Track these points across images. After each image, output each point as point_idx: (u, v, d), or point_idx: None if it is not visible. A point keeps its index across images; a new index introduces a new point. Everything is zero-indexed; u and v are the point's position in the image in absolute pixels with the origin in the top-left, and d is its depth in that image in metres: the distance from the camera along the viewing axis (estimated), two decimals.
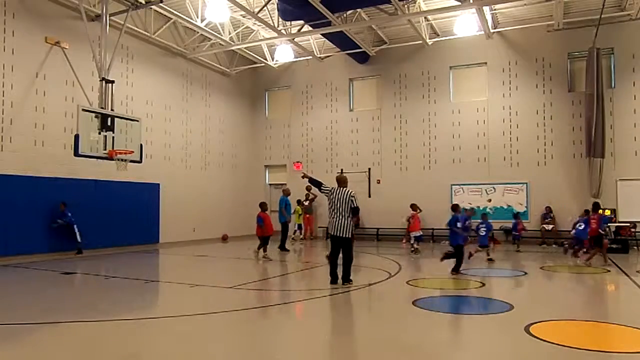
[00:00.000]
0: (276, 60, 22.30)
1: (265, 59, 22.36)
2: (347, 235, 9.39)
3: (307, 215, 21.29)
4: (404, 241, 19.27)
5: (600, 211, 13.66)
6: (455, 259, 10.97)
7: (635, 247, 16.44)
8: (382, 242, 20.05)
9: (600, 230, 12.75)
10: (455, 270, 10.80)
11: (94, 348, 5.54)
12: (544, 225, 18.30)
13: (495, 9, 18.38)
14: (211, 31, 18.51)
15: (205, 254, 15.83)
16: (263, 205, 14.36)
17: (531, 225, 18.67)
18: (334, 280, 9.44)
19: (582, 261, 12.76)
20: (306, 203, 21.37)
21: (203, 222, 20.56)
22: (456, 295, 8.89)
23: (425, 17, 18.92)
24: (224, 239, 21.31)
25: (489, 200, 19.49)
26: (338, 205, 9.38)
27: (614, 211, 16.99)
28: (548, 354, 5.23)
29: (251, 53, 21.93)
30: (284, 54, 20.75)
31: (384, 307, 8.24)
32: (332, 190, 9.53)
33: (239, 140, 23.39)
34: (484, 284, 9.61)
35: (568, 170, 18.52)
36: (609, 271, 11.59)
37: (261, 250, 14.09)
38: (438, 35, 20.35)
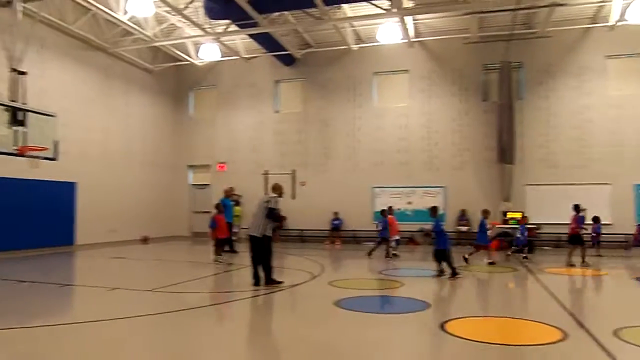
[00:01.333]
0: (201, 59, 21.99)
1: (190, 57, 21.99)
2: (256, 234, 9.46)
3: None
4: (326, 242, 19.61)
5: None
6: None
7: (540, 247, 17.54)
8: (305, 243, 20.26)
9: (578, 230, 13.46)
10: (453, 274, 10.74)
11: (4, 358, 5.29)
12: (459, 227, 19.19)
13: (416, 20, 19.10)
14: (134, 25, 17.95)
15: (124, 256, 15.32)
16: (218, 207, 13.96)
17: (448, 227, 19.48)
18: (256, 282, 9.48)
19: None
20: (233, 204, 21.17)
21: (123, 223, 19.86)
22: (376, 295, 9.19)
23: (350, 23, 19.38)
24: (144, 240, 20.73)
25: (409, 203, 20.17)
26: (256, 208, 9.63)
27: (522, 214, 18.02)
28: (460, 350, 5.55)
29: (175, 50, 21.49)
30: (209, 52, 20.49)
31: (305, 308, 8.36)
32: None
33: (161, 139, 22.85)
34: (403, 284, 9.98)
35: (481, 175, 19.53)
36: (517, 270, 12.37)
37: (221, 253, 13.63)
38: (363, 41, 20.86)
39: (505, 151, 18.41)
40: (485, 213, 13.46)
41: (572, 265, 12.94)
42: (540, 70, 19.27)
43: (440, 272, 10.94)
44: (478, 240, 13.51)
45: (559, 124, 18.97)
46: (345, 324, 6.77)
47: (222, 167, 22.73)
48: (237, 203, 21.06)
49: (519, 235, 14.74)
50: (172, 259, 15.37)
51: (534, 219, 18.19)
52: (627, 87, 18.64)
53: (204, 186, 23.19)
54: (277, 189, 9.98)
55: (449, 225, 19.52)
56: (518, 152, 18.86)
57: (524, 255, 14.54)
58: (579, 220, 13.51)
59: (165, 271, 12.92)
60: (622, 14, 17.09)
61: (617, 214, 18.08)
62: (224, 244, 13.77)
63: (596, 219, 15.22)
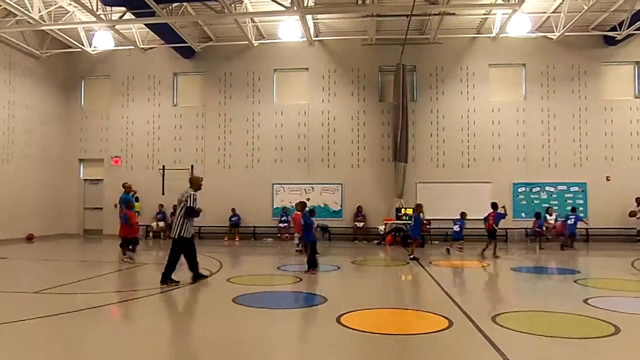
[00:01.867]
0: (94, 47, 20.84)
1: (82, 44, 20.79)
2: (174, 236, 9.41)
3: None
4: (225, 239, 19.51)
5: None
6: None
7: (430, 242, 18.68)
8: (203, 240, 19.98)
9: (494, 225, 14.75)
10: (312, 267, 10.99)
11: None
12: (356, 223, 19.91)
13: (317, 19, 19.48)
14: (16, 5, 16.42)
15: (5, 256, 14.21)
16: (128, 203, 13.37)
17: (345, 223, 20.22)
18: (194, 278, 9.56)
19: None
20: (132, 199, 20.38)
21: (5, 221, 18.36)
22: (275, 291, 9.34)
23: (251, 19, 19.35)
24: (30, 238, 19.36)
25: (308, 199, 20.54)
26: (178, 206, 9.56)
27: (414, 210, 18.98)
28: (354, 341, 5.84)
29: (65, 36, 20.17)
30: (102, 40, 19.37)
31: (203, 306, 8.34)
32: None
33: (49, 130, 21.38)
34: (301, 279, 10.22)
35: (377, 173, 20.37)
36: (409, 263, 13.11)
37: (128, 252, 12.98)
38: (264, 37, 20.92)
39: (399, 150, 19.35)
40: (419, 207, 13.97)
41: (497, 257, 14.22)
42: (432, 74, 20.48)
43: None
44: (412, 234, 14.07)
45: (447, 126, 20.29)
46: (244, 320, 6.86)
47: (116, 161, 21.78)
48: (136, 199, 20.39)
49: (456, 230, 15.63)
50: (61, 258, 14.54)
51: (424, 215, 19.32)
52: (505, 94, 20.35)
53: (96, 181, 22.09)
54: (194, 183, 9.79)
55: (346, 221, 20.26)
56: (411, 151, 19.90)
57: (459, 247, 15.51)
58: (497, 216, 14.88)
59: (53, 271, 12.17)
60: (503, 27, 18.61)
61: None
62: (133, 243, 13.20)
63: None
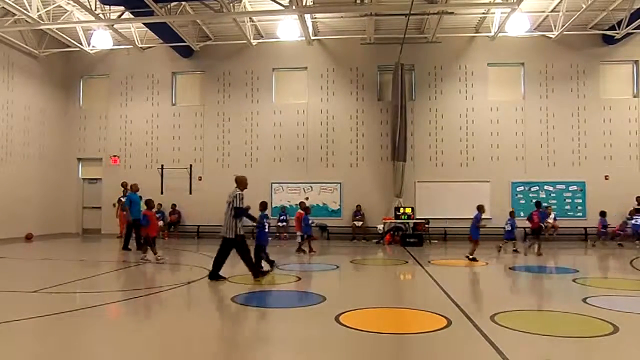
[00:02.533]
0: (93, 46, 20.81)
1: (81, 44, 20.77)
2: (229, 236, 9.57)
3: (124, 213, 20.32)
4: None
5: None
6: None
7: (429, 241, 18.69)
8: (202, 239, 19.99)
9: (540, 224, 14.95)
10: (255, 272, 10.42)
11: None
12: (355, 222, 19.90)
13: (315, 18, 19.47)
14: (15, 5, 16.38)
15: (3, 256, 14.20)
16: (149, 203, 13.13)
17: (343, 222, 20.22)
18: (213, 277, 9.65)
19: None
20: (123, 199, 20.39)
21: (3, 220, 18.33)
22: (273, 290, 9.33)
23: (250, 18, 19.34)
24: (28, 238, 19.34)
25: (307, 198, 20.53)
26: (226, 206, 9.72)
27: (413, 209, 19.08)
28: (353, 340, 5.84)
29: (64, 35, 20.16)
30: (101, 40, 19.31)
31: (202, 305, 8.33)
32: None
33: (48, 129, 21.34)
34: (300, 278, 10.22)
35: (376, 172, 20.37)
36: (407, 262, 13.12)
37: (150, 252, 12.84)
38: (262, 36, 20.91)
39: (398, 149, 19.34)
40: (480, 208, 13.66)
41: (540, 254, 14.45)
42: (431, 74, 20.48)
43: None
44: (473, 235, 13.65)
45: (446, 125, 20.29)
46: (242, 319, 6.88)
47: (115, 160, 21.77)
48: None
49: (508, 229, 15.59)
50: (60, 257, 14.53)
51: (423, 214, 19.38)
52: (504, 93, 20.36)
53: (95, 180, 22.07)
54: (241, 183, 9.90)
55: (345, 220, 20.26)
56: (409, 150, 19.90)
57: (515, 248, 15.60)
58: (541, 215, 15.14)
59: (52, 271, 12.17)
60: (502, 26, 18.62)
61: (495, 209, 19.68)
62: (154, 242, 12.99)
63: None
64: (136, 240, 14.94)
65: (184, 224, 20.74)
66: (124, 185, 20.00)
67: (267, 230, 10.78)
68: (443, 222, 19.47)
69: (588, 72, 19.91)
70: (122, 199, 20.20)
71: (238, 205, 9.53)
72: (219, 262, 9.76)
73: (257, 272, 9.72)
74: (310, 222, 15.31)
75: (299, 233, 15.16)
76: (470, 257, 13.09)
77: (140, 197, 19.47)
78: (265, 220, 10.82)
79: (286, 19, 18.19)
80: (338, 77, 20.84)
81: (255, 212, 10.60)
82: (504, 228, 15.84)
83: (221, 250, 9.78)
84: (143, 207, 14.68)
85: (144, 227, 12.88)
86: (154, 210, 13.25)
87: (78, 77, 22.56)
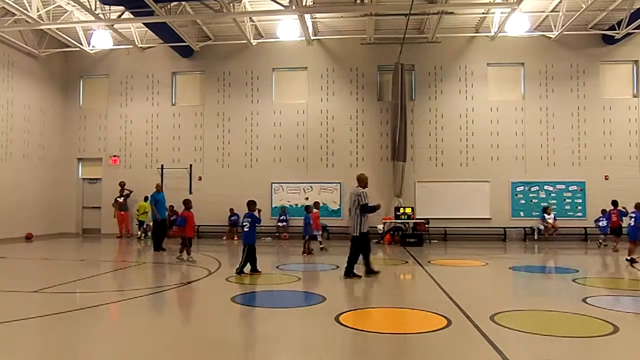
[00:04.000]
0: (93, 46, 20.81)
1: (81, 44, 20.77)
2: (354, 233, 9.90)
3: (122, 213, 20.40)
4: (224, 238, 19.51)
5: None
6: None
7: (428, 241, 18.68)
8: (202, 239, 19.99)
9: (620, 222, 15.30)
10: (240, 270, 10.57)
11: None
12: None
13: (315, 18, 19.47)
14: (15, 5, 16.38)
15: (4, 256, 14.21)
16: (187, 203, 12.97)
17: (343, 222, 20.11)
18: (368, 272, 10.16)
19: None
20: (120, 200, 20.45)
21: (3, 220, 18.35)
22: (273, 290, 9.33)
23: (250, 18, 19.34)
24: (28, 238, 19.35)
25: (306, 199, 20.55)
26: (349, 204, 10.09)
27: (413, 209, 19.06)
28: (353, 340, 5.84)
29: (64, 35, 20.18)
30: (101, 40, 19.33)
31: (201, 305, 8.33)
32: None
33: (48, 129, 21.34)
34: (299, 278, 10.22)
35: (376, 172, 20.34)
36: (407, 262, 13.12)
37: (184, 252, 12.81)
38: (262, 36, 20.91)
39: (398, 149, 19.35)
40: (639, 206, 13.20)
41: (616, 250, 15.14)
42: (430, 74, 20.49)
43: None
44: (632, 235, 13.22)
45: (446, 125, 20.30)
46: (242, 319, 6.88)
47: (115, 160, 21.77)
48: (126, 198, 20.55)
49: (604, 225, 16.16)
50: (60, 257, 14.53)
51: (423, 214, 19.38)
52: (503, 93, 20.36)
53: (95, 180, 22.07)
54: (362, 181, 10.15)
55: (344, 220, 20.17)
56: (409, 150, 19.90)
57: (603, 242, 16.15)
58: (620, 213, 15.46)
59: (51, 270, 12.18)
60: (502, 26, 18.62)
61: (495, 209, 19.75)
62: (190, 243, 12.95)
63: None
64: (157, 239, 14.96)
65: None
66: (121, 184, 20.09)
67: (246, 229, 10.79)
68: (443, 222, 19.47)
69: (588, 72, 19.91)
70: (118, 199, 20.33)
71: (365, 202, 9.80)
72: (359, 258, 10.11)
73: (351, 271, 10.06)
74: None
75: (317, 232, 15.42)
76: (630, 258, 12.70)
77: (128, 195, 19.73)
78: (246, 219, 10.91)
79: (286, 19, 18.20)
80: (338, 77, 20.84)
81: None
82: (597, 224, 16.60)
83: (356, 247, 10.07)
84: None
85: (181, 227, 12.76)
86: (192, 210, 13.05)
87: (78, 77, 22.57)
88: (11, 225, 18.68)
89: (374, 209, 10.11)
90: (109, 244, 18.38)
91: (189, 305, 8.44)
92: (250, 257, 10.63)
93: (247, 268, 10.59)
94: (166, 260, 13.45)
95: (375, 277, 10.19)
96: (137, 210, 19.73)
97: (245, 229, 10.82)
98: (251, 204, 11.16)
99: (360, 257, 10.22)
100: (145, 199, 19.91)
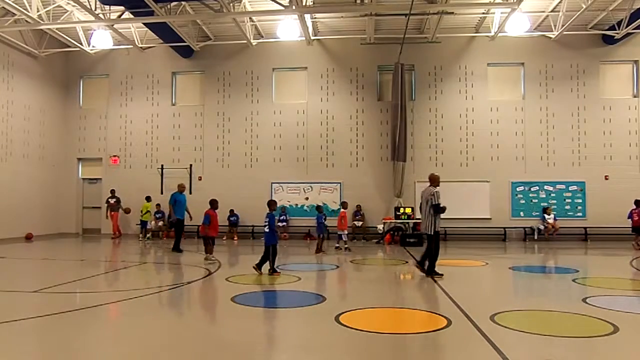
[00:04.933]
0: (93, 46, 20.81)
1: (81, 44, 20.78)
2: (429, 232, 10.18)
3: (112, 213, 20.36)
4: (224, 238, 19.48)
5: None
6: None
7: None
8: (202, 239, 19.92)
9: None
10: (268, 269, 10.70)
11: None
12: (355, 222, 19.89)
13: (315, 18, 19.48)
14: (15, 5, 16.38)
15: (4, 256, 14.22)
16: (214, 203, 12.93)
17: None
18: (429, 272, 10.28)
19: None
20: (112, 201, 20.40)
21: (3, 220, 18.36)
22: (273, 290, 9.33)
23: (250, 18, 19.35)
24: (28, 238, 19.35)
25: (306, 199, 20.57)
26: (421, 203, 10.35)
27: (413, 209, 19.04)
28: (353, 340, 5.82)
29: (64, 35, 20.18)
30: (101, 40, 19.31)
31: (201, 305, 8.33)
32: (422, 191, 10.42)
33: (48, 129, 21.34)
34: (299, 278, 10.21)
35: (376, 172, 20.38)
36: (407, 262, 13.11)
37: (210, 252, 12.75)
38: (262, 36, 20.92)
39: (398, 149, 19.35)
40: None
41: (637, 249, 15.77)
42: (430, 74, 20.49)
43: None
44: None
45: (446, 125, 20.30)
46: (242, 319, 6.86)
47: (115, 160, 21.78)
48: (118, 201, 20.53)
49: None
50: (60, 257, 14.53)
51: None
52: (503, 93, 20.36)
53: (95, 180, 22.08)
54: (435, 180, 10.37)
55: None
56: (409, 150, 19.90)
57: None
58: None
59: (51, 270, 12.18)
60: (502, 26, 18.62)
61: (495, 209, 19.74)
62: (214, 242, 12.89)
63: None
64: (175, 240, 14.98)
65: (187, 224, 20.59)
66: (112, 192, 20.24)
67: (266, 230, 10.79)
68: (443, 222, 19.30)
69: (588, 72, 19.91)
70: (110, 200, 20.28)
71: (437, 203, 10.01)
72: (434, 257, 10.28)
73: (432, 270, 10.21)
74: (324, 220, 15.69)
75: (342, 232, 15.72)
76: None
77: (119, 200, 19.69)
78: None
79: (286, 19, 18.20)
80: (338, 77, 20.84)
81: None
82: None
83: (434, 246, 10.30)
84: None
85: (206, 226, 12.72)
86: (217, 210, 12.99)
87: (78, 77, 22.57)
88: (11, 225, 18.69)
89: (444, 209, 10.29)
90: (109, 244, 18.38)
91: (189, 305, 8.42)
92: (268, 256, 10.64)
93: (265, 267, 10.63)
94: (166, 260, 13.45)
95: (440, 277, 10.19)
96: (141, 210, 19.73)
97: (266, 229, 10.82)
98: (271, 204, 11.16)
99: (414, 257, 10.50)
100: (148, 199, 19.97)
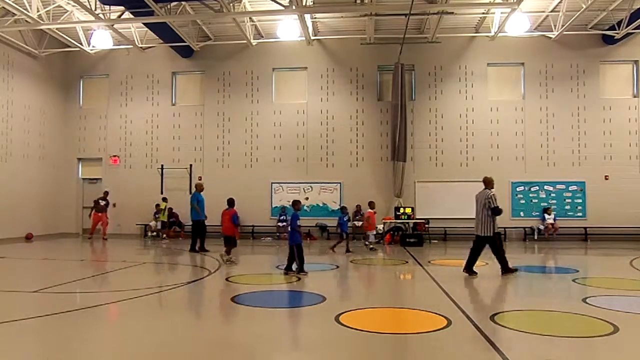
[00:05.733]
0: (93, 46, 20.80)
1: (81, 44, 20.78)
2: (485, 234, 10.38)
3: (99, 214, 20.09)
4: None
5: None
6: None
7: (428, 241, 18.68)
8: None
9: None
10: (295, 269, 10.67)
11: None
12: (355, 222, 19.85)
13: (315, 18, 19.48)
14: (15, 5, 16.36)
15: (4, 256, 14.22)
16: (232, 202, 12.95)
17: None
18: (468, 270, 10.52)
19: None
20: (102, 203, 20.17)
21: (3, 220, 18.35)
22: (274, 290, 9.33)
23: (250, 18, 19.35)
24: (28, 238, 19.36)
25: (307, 199, 20.55)
26: (476, 206, 10.67)
27: (413, 209, 19.04)
28: (353, 340, 5.82)
29: (64, 35, 20.18)
30: (101, 40, 19.29)
31: (202, 305, 8.33)
32: (476, 194, 10.81)
33: (48, 129, 21.33)
34: (299, 279, 10.21)
35: (376, 172, 20.37)
36: (407, 262, 13.11)
37: (226, 252, 12.53)
38: (262, 36, 20.92)
39: (398, 149, 19.35)
40: None
41: None
42: (430, 74, 20.49)
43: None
44: None
45: (446, 125, 20.30)
46: (242, 319, 6.86)
47: (115, 160, 21.78)
48: (107, 204, 20.29)
49: None
50: (60, 257, 14.52)
51: (423, 214, 19.36)
52: (503, 93, 20.37)
53: (95, 180, 22.07)
54: (490, 183, 10.71)
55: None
56: (409, 150, 19.90)
57: None
58: None
59: (52, 270, 12.18)
60: (502, 26, 18.62)
61: None
62: (230, 242, 12.63)
63: None
64: (192, 241, 14.97)
65: (187, 224, 20.62)
66: (105, 193, 20.00)
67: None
68: (443, 222, 19.46)
69: (588, 72, 19.91)
70: (100, 201, 19.93)
71: (496, 206, 10.32)
72: (474, 258, 10.53)
73: (507, 268, 10.44)
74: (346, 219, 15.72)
75: (371, 233, 15.85)
76: None
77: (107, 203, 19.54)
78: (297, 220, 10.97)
79: (286, 19, 18.19)
80: (338, 77, 20.84)
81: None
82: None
83: (476, 247, 10.56)
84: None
85: (236, 226, 12.70)
86: (234, 209, 12.91)
87: (78, 77, 22.57)
88: (11, 225, 18.68)
89: (502, 211, 10.65)
90: (109, 244, 18.35)
91: (189, 305, 8.42)
92: (294, 256, 10.64)
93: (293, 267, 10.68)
94: (166, 260, 13.44)
95: (511, 276, 10.42)
96: (160, 210, 19.77)
97: (289, 229, 10.95)
98: (295, 203, 11.34)
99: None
100: (164, 199, 19.96)
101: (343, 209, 15.87)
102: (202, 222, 15.09)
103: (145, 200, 20.66)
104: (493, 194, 10.48)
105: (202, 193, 15.50)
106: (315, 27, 20.21)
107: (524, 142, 19.98)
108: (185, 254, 14.70)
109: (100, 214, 19.71)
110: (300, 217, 11.51)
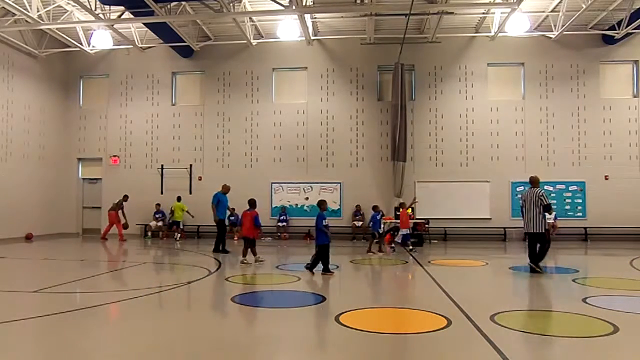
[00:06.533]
0: (93, 46, 20.81)
1: (81, 44, 20.78)
2: (537, 230, 10.75)
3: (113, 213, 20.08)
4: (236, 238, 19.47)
5: None
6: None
7: (428, 241, 18.68)
8: (202, 239, 20.00)
9: None
10: (325, 270, 10.69)
11: None
12: (355, 222, 19.90)
13: (315, 18, 19.48)
14: (15, 5, 16.35)
15: (4, 256, 14.22)
16: (254, 203, 12.68)
17: (343, 222, 20.20)
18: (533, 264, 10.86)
19: None
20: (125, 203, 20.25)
21: (3, 220, 18.37)
22: (273, 290, 9.32)
23: (250, 18, 19.35)
24: (28, 238, 19.36)
25: (306, 199, 20.56)
26: (525, 204, 10.96)
27: (413, 209, 19.02)
28: (353, 340, 5.82)
29: (64, 35, 20.18)
30: (101, 40, 19.29)
31: (201, 305, 8.32)
32: (524, 193, 11.24)
33: (48, 129, 21.34)
34: (299, 278, 10.20)
35: (376, 172, 20.38)
36: (407, 262, 13.11)
37: (250, 253, 12.45)
38: (262, 36, 20.92)
39: (398, 149, 19.35)
40: None
41: None
42: (431, 74, 20.50)
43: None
44: None
45: (446, 125, 20.31)
46: (241, 319, 6.86)
47: (115, 160, 21.79)
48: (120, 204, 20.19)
49: None
50: (60, 257, 14.51)
51: (423, 214, 19.35)
52: (503, 93, 20.37)
53: (95, 180, 22.08)
54: (536, 182, 11.07)
55: (344, 220, 20.25)
56: (409, 150, 19.90)
57: None
58: None
59: (52, 270, 12.17)
60: (502, 26, 18.62)
61: (495, 209, 19.74)
62: (249, 244, 12.50)
63: None
64: (216, 240, 14.87)
65: (185, 224, 20.65)
66: (125, 198, 19.61)
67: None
68: (443, 222, 19.47)
69: (588, 72, 19.91)
70: (124, 202, 19.84)
71: (547, 203, 10.71)
72: (536, 253, 10.89)
73: (537, 265, 10.82)
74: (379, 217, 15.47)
75: (404, 232, 15.78)
76: None
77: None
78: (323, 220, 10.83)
79: (286, 19, 18.19)
80: (338, 77, 20.84)
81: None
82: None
83: (532, 244, 10.96)
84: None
85: (260, 227, 12.67)
86: (256, 210, 12.75)
87: (78, 77, 22.57)
88: (11, 225, 18.68)
89: (552, 207, 11.14)
90: (109, 244, 18.36)
91: (188, 305, 8.42)
92: (321, 257, 10.63)
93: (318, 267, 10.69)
94: (167, 260, 13.43)
95: (540, 274, 10.69)
96: (172, 210, 19.85)
97: (316, 229, 10.93)
98: (321, 204, 11.24)
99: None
100: (178, 199, 19.96)
101: (375, 207, 15.49)
102: (222, 221, 15.07)
103: (145, 200, 20.68)
104: (543, 192, 10.85)
105: (226, 195, 15.37)
106: (315, 27, 20.21)
107: (524, 142, 19.98)
108: (185, 254, 14.67)
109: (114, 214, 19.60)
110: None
